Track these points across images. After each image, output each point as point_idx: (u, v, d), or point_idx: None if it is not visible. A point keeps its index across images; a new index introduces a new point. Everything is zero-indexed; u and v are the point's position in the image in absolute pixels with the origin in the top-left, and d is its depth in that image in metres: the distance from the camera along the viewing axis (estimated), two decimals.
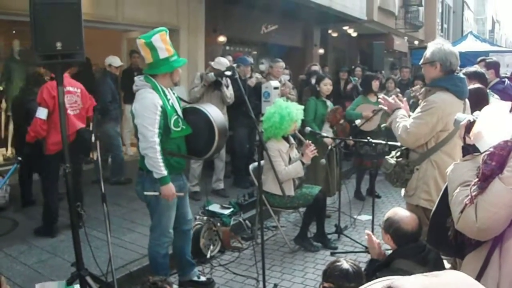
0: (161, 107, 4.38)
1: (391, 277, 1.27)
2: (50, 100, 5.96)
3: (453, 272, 1.20)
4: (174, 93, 4.75)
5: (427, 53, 4.39)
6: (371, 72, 10.08)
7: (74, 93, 6.30)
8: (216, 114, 4.69)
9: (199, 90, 7.70)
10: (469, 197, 2.34)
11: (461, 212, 2.37)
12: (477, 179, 2.35)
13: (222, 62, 7.83)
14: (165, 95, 4.49)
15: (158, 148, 4.33)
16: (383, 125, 5.49)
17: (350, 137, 7.77)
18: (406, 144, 4.46)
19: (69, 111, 6.07)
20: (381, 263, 3.68)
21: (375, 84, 8.69)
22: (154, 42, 4.38)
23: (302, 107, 6.59)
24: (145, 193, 4.55)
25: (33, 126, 6.04)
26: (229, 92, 7.88)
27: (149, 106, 4.35)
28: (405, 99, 5.12)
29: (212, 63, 8.01)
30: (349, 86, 11.78)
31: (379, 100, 4.94)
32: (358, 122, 8.12)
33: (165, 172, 4.38)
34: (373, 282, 1.31)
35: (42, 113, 5.98)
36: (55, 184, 6.37)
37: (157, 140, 4.33)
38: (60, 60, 4.06)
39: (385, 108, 4.81)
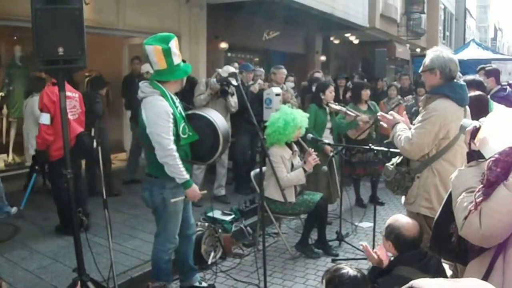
0: (172, 114, 4.34)
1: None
2: (51, 105, 5.99)
3: (474, 280, 1.19)
4: (177, 98, 4.72)
5: (426, 60, 4.37)
6: (361, 80, 10.08)
7: (72, 98, 6.34)
8: (219, 120, 4.69)
9: (206, 98, 7.69)
10: (474, 203, 2.33)
11: (465, 218, 2.36)
12: (481, 185, 2.34)
13: (230, 71, 7.84)
14: (174, 102, 4.45)
15: (177, 154, 4.30)
16: (386, 141, 5.44)
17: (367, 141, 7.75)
18: (410, 155, 4.41)
19: (68, 116, 6.08)
20: (382, 270, 3.67)
21: (365, 93, 8.64)
22: (172, 49, 4.32)
23: (307, 114, 6.58)
24: (172, 200, 4.50)
25: (39, 133, 6.07)
26: (233, 100, 7.87)
27: (162, 114, 4.28)
28: (404, 112, 5.12)
29: (220, 70, 8.01)
30: (348, 95, 11.73)
31: (378, 117, 4.91)
32: (349, 132, 8.13)
33: (187, 176, 4.39)
34: None
35: (45, 118, 6.01)
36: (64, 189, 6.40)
37: (174, 147, 4.29)
38: (61, 66, 4.05)
39: (385, 125, 4.80)
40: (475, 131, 2.61)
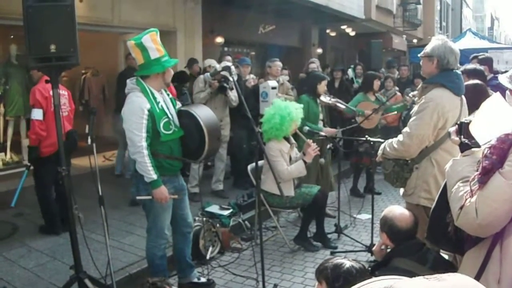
0: (149, 110, 4.37)
1: (389, 277, 1.23)
2: (43, 101, 6.00)
3: (457, 276, 1.16)
4: (168, 94, 4.74)
5: (428, 47, 4.36)
6: (373, 72, 10.08)
7: (63, 95, 6.29)
8: (207, 117, 4.66)
9: (205, 97, 7.65)
10: (469, 191, 2.31)
11: (461, 208, 2.35)
12: (477, 173, 2.32)
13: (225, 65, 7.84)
14: (154, 98, 4.47)
15: (146, 152, 4.33)
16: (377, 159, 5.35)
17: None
18: (411, 150, 4.35)
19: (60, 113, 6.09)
20: (380, 262, 3.66)
21: (377, 84, 8.78)
22: (144, 43, 4.38)
23: (301, 105, 6.55)
24: (138, 197, 4.58)
25: (32, 129, 6.06)
26: (233, 94, 7.82)
27: (135, 111, 4.35)
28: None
29: (217, 66, 7.97)
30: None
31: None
32: (358, 119, 8.12)
33: (155, 176, 4.38)
34: (370, 280, 1.27)
35: (37, 114, 6.00)
36: (50, 187, 6.38)
37: (145, 144, 4.33)
38: (54, 63, 4.05)
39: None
40: (461, 126, 2.61)
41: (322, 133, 7.04)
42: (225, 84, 7.43)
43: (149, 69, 4.47)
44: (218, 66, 7.66)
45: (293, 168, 6.22)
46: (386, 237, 3.66)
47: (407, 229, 3.58)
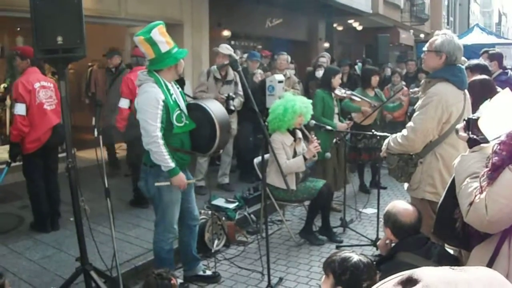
0: (163, 101, 4.35)
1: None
2: (26, 95, 5.85)
3: (483, 269, 1.14)
4: (178, 88, 4.73)
5: (436, 41, 4.31)
6: (372, 66, 10.03)
7: (48, 87, 6.15)
8: (217, 110, 4.67)
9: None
10: (479, 187, 2.30)
11: (470, 204, 2.33)
12: (487, 169, 2.31)
13: (229, 47, 7.88)
14: (168, 90, 4.45)
15: (161, 141, 4.31)
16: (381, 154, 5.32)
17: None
18: (416, 145, 4.35)
19: (45, 106, 6.03)
20: (385, 256, 3.65)
21: (375, 79, 8.64)
22: (154, 37, 4.34)
23: (310, 101, 6.52)
24: (156, 184, 4.52)
25: (14, 124, 5.92)
26: (236, 104, 7.76)
27: (151, 101, 4.32)
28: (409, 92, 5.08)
29: (219, 49, 7.93)
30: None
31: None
32: (354, 115, 8.08)
33: (172, 164, 4.38)
34: (393, 276, 1.24)
35: (20, 109, 5.84)
36: (40, 182, 6.28)
37: (160, 134, 4.31)
38: (61, 55, 4.04)
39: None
40: (473, 122, 2.60)
41: (328, 127, 6.99)
42: (231, 107, 7.33)
43: (162, 63, 4.44)
44: (220, 49, 7.65)
45: (292, 162, 6.19)
46: (390, 232, 3.64)
47: (411, 224, 3.56)
